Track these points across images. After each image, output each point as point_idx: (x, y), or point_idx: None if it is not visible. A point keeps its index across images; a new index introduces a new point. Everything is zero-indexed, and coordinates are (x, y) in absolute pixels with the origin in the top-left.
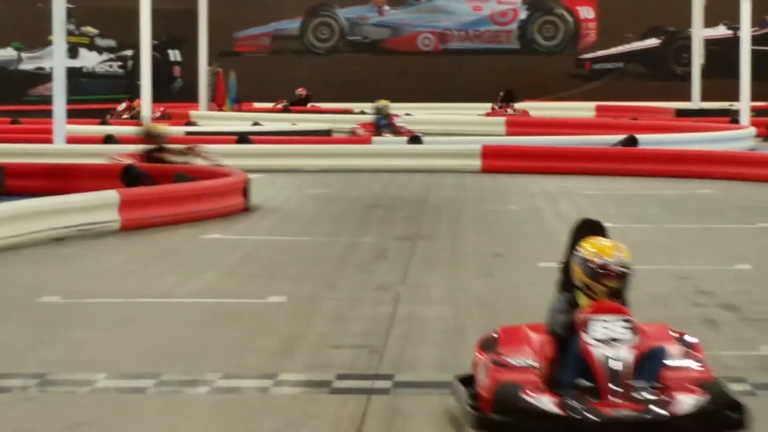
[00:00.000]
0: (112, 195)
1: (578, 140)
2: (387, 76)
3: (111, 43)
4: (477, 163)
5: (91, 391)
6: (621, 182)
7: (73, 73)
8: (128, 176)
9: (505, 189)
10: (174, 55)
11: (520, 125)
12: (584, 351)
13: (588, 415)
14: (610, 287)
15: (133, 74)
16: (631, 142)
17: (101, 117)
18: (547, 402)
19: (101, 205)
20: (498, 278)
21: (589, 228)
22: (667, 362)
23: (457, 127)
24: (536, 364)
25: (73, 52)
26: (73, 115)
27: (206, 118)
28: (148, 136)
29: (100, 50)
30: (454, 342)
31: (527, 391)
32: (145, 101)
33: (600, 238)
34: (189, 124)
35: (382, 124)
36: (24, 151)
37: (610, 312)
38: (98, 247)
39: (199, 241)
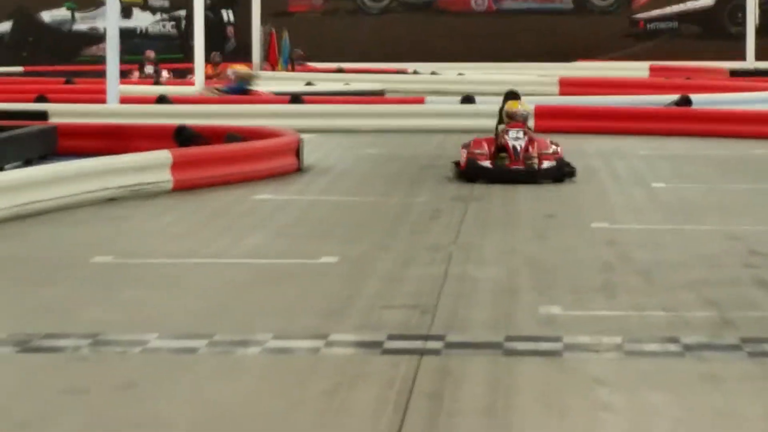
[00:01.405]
0: (164, 155)
1: (632, 100)
2: (439, 36)
3: (164, 3)
4: (531, 123)
5: (142, 351)
6: (674, 142)
7: (126, 34)
8: (181, 136)
9: None
10: (227, 15)
11: (574, 85)
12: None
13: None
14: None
15: (186, 34)
16: (685, 102)
17: (155, 77)
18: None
19: (154, 166)
20: (551, 239)
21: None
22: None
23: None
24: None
25: (126, 12)
26: (126, 75)
27: (259, 78)
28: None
29: (153, 10)
30: (506, 302)
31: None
32: (198, 61)
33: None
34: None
35: None
36: (77, 112)
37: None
38: (150, 207)
39: (250, 201)
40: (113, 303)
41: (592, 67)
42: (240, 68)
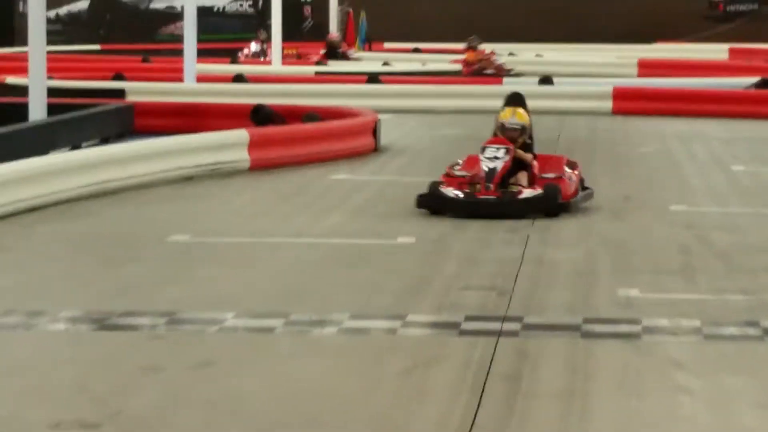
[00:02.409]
0: (241, 134)
1: (711, 82)
2: (518, 16)
3: None
4: (608, 105)
5: (219, 330)
6: (753, 125)
7: (203, 12)
8: (258, 115)
9: (637, 131)
10: None
11: (652, 67)
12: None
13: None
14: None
15: (264, 14)
16: (765, 84)
17: (231, 56)
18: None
19: (231, 144)
20: (628, 221)
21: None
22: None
23: (588, 69)
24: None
25: None
26: (203, 54)
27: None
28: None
29: None
30: (583, 284)
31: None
32: (276, 41)
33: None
34: (319, 63)
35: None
36: (154, 90)
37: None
38: (227, 186)
39: (327, 181)
40: (190, 282)
41: (671, 49)
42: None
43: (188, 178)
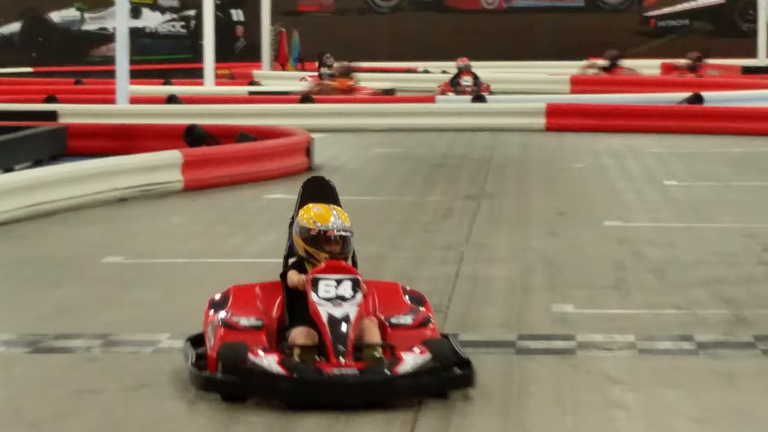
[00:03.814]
0: (175, 155)
1: (643, 98)
2: (450, 34)
3: (173, 3)
4: (542, 121)
5: (154, 351)
6: (687, 140)
7: (135, 33)
8: (191, 136)
9: (570, 147)
10: (237, 14)
11: (585, 83)
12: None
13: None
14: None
15: (196, 34)
16: (697, 99)
17: (164, 77)
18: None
19: (164, 165)
20: (563, 237)
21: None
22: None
23: (521, 86)
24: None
25: (135, 13)
26: (136, 75)
27: (269, 77)
28: None
29: (162, 10)
30: (518, 301)
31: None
32: (208, 61)
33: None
34: (252, 83)
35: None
36: (87, 112)
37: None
38: (161, 207)
39: (262, 201)
40: (124, 303)
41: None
42: None
43: (122, 200)
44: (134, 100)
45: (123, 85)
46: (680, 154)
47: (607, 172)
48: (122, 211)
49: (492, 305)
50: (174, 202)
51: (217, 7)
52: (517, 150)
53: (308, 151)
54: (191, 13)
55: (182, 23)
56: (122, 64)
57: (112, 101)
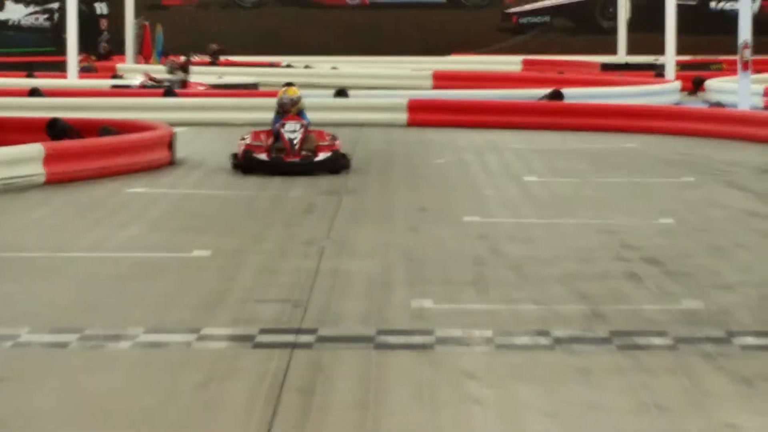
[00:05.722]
0: (36, 148)
1: (504, 94)
2: (314, 29)
3: None
4: (403, 116)
5: (13, 345)
6: (547, 136)
7: None
8: (54, 129)
9: (432, 143)
10: (100, 8)
11: (447, 79)
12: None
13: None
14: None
15: (59, 27)
16: (557, 96)
17: (27, 70)
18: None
19: (26, 159)
20: (423, 233)
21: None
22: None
23: (384, 81)
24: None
25: None
26: None
27: (133, 71)
28: None
29: (26, 3)
30: (377, 296)
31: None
32: (71, 53)
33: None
34: (115, 77)
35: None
36: None
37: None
38: (22, 201)
39: (124, 194)
40: None
41: (466, 61)
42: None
43: None
44: None
45: None
46: (540, 150)
47: (468, 168)
48: None
49: (352, 300)
50: (36, 195)
51: (81, 0)
52: (379, 145)
53: (171, 145)
54: (55, 6)
55: (46, 16)
56: None
57: None
